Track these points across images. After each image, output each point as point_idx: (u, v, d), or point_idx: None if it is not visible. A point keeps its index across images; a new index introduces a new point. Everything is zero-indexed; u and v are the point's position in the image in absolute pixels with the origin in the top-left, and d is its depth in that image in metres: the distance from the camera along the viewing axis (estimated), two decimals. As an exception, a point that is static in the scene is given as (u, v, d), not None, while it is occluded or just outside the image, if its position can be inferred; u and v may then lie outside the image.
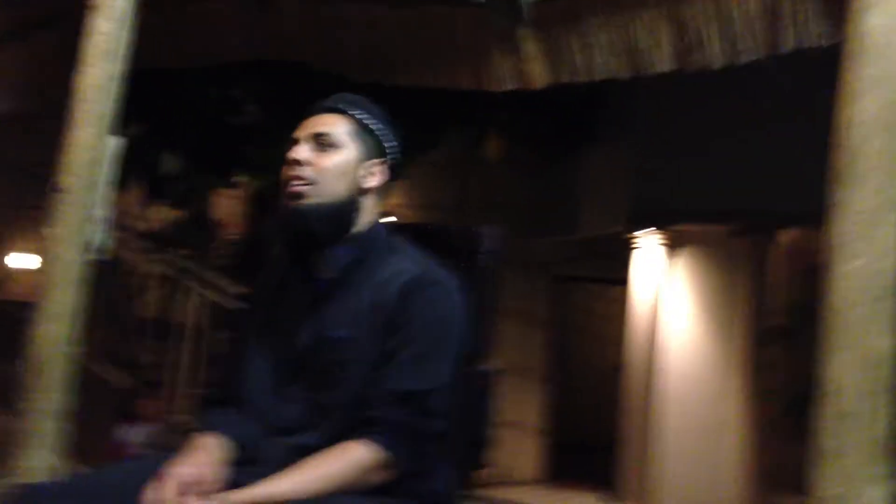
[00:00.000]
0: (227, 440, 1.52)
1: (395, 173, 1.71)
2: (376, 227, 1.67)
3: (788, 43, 1.98)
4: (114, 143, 2.01)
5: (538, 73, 2.34)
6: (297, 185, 1.59)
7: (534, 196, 8.52)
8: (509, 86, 2.38)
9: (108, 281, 6.35)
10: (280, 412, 1.56)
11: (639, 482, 7.13)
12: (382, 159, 1.66)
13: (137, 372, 5.95)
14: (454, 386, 1.57)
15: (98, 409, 5.31)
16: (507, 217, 8.23)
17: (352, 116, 1.64)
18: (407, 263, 1.60)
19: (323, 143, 1.61)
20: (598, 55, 2.26)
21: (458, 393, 1.67)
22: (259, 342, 1.65)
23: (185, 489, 1.33)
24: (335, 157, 1.60)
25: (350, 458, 1.43)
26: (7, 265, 7.86)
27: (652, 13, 2.16)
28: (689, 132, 7.14)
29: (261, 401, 1.59)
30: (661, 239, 7.34)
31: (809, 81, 3.81)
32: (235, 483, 1.39)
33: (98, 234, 1.98)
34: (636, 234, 7.35)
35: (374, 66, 2.60)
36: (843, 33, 1.65)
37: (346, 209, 1.60)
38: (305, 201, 1.58)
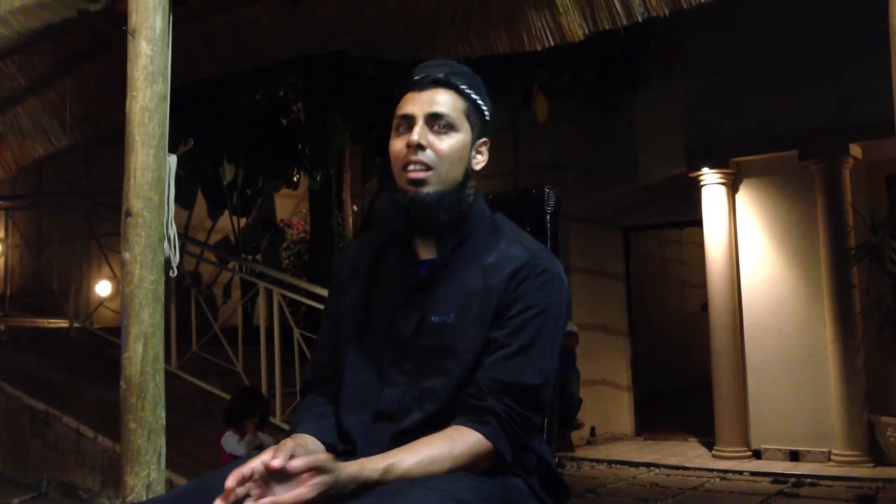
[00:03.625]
0: (317, 439, 1.53)
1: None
2: (478, 207, 1.61)
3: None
4: (171, 162, 2.06)
5: (576, 25, 2.30)
6: (417, 170, 1.52)
7: (589, 150, 8.44)
8: (548, 43, 2.34)
9: (190, 295, 6.53)
10: (383, 397, 1.54)
11: (736, 421, 7.04)
12: (488, 139, 1.62)
13: (234, 379, 6.11)
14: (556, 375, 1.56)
15: (200, 420, 5.48)
16: (566, 176, 8.17)
17: (463, 92, 1.57)
18: (515, 248, 1.55)
19: (441, 124, 1.53)
20: (636, -4, 2.20)
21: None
22: (357, 327, 1.61)
23: (268, 476, 1.28)
24: (453, 140, 1.54)
25: (471, 445, 1.42)
26: (95, 293, 8.11)
27: (685, -57, 2.09)
28: (739, 60, 6.96)
29: (362, 386, 1.57)
30: (727, 173, 7.19)
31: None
32: None
33: (171, 252, 2.03)
34: (700, 172, 7.21)
35: (408, 43, 2.59)
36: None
37: (461, 194, 1.55)
38: (426, 189, 1.52)
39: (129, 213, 1.96)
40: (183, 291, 6.54)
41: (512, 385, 1.46)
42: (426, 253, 1.58)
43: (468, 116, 1.56)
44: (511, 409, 1.44)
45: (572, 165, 8.38)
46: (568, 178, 8.12)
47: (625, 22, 2.25)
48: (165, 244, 2.01)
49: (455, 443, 1.41)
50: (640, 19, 2.24)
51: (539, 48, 2.38)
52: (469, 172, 1.57)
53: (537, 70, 6.60)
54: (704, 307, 7.65)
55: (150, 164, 1.97)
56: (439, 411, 1.49)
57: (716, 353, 7.18)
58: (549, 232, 1.75)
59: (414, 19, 2.54)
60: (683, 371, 10.74)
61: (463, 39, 2.49)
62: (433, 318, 1.53)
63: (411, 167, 1.52)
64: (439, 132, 1.53)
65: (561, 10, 2.30)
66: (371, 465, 1.33)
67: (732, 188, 7.25)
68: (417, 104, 1.55)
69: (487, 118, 1.61)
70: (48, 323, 7.64)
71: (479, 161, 1.60)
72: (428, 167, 1.52)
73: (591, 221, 8.57)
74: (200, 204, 8.63)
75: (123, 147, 1.99)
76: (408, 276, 1.59)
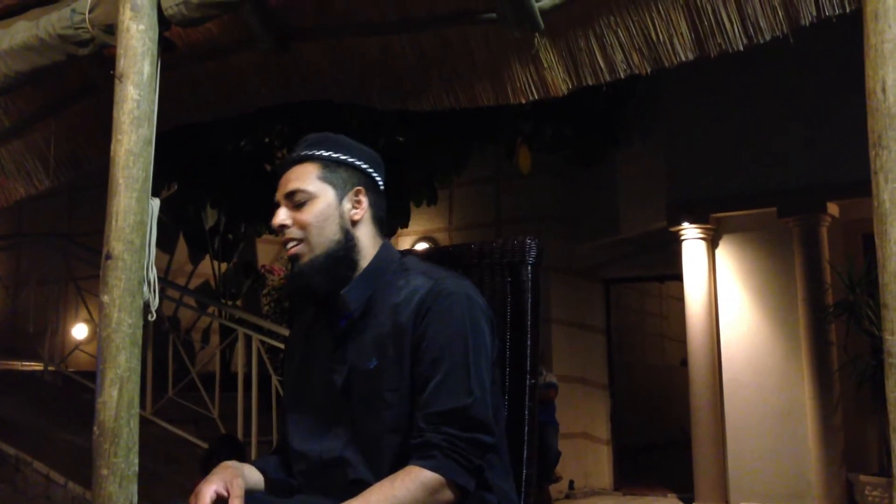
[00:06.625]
0: (254, 469, 1.64)
1: (382, 191, 1.73)
2: (384, 252, 1.69)
3: (808, 14, 1.95)
4: (154, 206, 2.05)
5: (560, 80, 2.34)
6: (291, 247, 1.64)
7: (570, 203, 8.51)
8: (532, 96, 2.38)
9: (168, 339, 6.46)
10: (327, 450, 1.59)
11: (715, 478, 7.01)
12: (361, 186, 1.68)
13: (210, 426, 6.02)
14: (494, 391, 1.59)
15: (173, 467, 5.38)
16: (547, 227, 8.22)
17: (315, 158, 1.66)
18: (419, 279, 1.61)
19: (297, 200, 1.64)
20: (618, 53, 2.25)
21: (518, 408, 1.67)
22: (299, 388, 1.70)
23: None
24: (312, 207, 1.63)
25: (416, 482, 1.44)
26: (71, 336, 8.02)
27: (666, 4, 2.14)
28: (718, 117, 7.09)
29: (305, 443, 1.63)
30: (707, 228, 7.26)
31: (840, 46, 3.76)
32: None
33: (150, 296, 2.01)
34: (681, 226, 7.28)
35: (395, 94, 2.62)
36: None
37: (342, 250, 1.64)
38: (301, 262, 1.63)
39: (109, 256, 1.95)
40: (161, 336, 6.47)
41: (444, 413, 1.48)
42: (345, 311, 1.65)
43: (325, 177, 1.65)
44: (451, 435, 1.47)
45: (554, 217, 8.44)
46: (549, 230, 8.17)
47: (608, 78, 2.30)
48: (145, 288, 1.99)
49: (396, 482, 1.43)
50: (622, 76, 2.28)
51: (523, 101, 2.42)
52: (346, 226, 1.65)
53: (521, 123, 6.68)
54: (684, 361, 7.66)
55: (133, 207, 1.97)
56: (384, 456, 1.53)
57: (695, 408, 7.17)
58: (530, 283, 1.75)
59: (399, 70, 2.57)
60: (663, 425, 10.70)
61: (448, 91, 2.52)
62: (359, 367, 1.59)
63: (287, 245, 1.66)
64: (299, 206, 1.64)
65: (545, 64, 2.34)
66: None
67: (712, 243, 7.32)
68: (279, 190, 1.69)
69: (358, 167, 1.69)
70: (22, 365, 7.52)
71: (357, 211, 1.66)
72: (299, 240, 1.64)
73: (572, 273, 8.61)
74: (182, 248, 8.60)
75: (106, 190, 1.99)
76: (332, 330, 1.67)
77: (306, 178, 1.64)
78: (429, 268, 1.66)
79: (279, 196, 1.67)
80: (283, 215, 1.65)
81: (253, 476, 1.61)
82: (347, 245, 1.63)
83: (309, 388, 1.68)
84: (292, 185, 1.65)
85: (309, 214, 1.62)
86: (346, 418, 1.59)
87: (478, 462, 1.49)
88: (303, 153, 1.68)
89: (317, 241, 1.62)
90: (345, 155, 1.67)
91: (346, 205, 1.65)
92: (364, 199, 1.67)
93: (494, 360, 1.61)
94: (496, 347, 1.62)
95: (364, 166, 1.69)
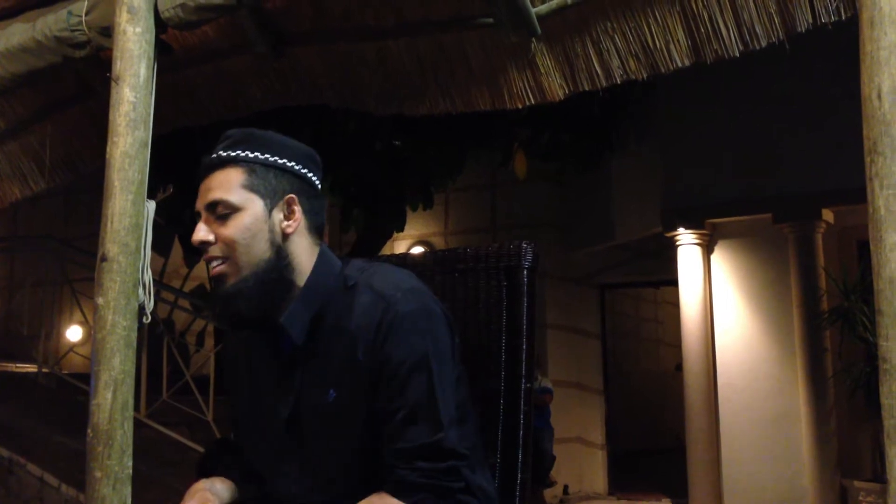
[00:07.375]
0: (226, 480, 1.56)
1: (319, 192, 1.54)
2: (323, 264, 1.51)
3: (804, 21, 1.96)
4: (150, 208, 2.05)
5: (556, 85, 2.34)
6: (214, 266, 1.45)
7: (566, 208, 8.52)
8: (528, 102, 2.38)
9: (162, 342, 6.45)
10: (282, 482, 1.51)
11: (709, 483, 7.02)
12: (294, 193, 1.48)
13: (204, 428, 6.01)
14: (460, 390, 1.49)
15: (167, 470, 5.37)
16: (543, 233, 8.23)
17: (241, 161, 1.46)
18: (367, 297, 1.44)
19: (219, 212, 1.45)
20: (614, 59, 2.25)
21: (514, 412, 1.66)
22: (247, 417, 1.60)
23: None
24: (237, 221, 1.44)
25: None
26: (66, 338, 8.01)
27: (663, 10, 2.15)
28: (713, 123, 7.10)
29: (262, 472, 1.56)
30: (702, 234, 7.27)
31: (835, 53, 3.78)
32: None
33: (145, 299, 2.01)
34: (676, 232, 7.29)
35: (391, 98, 2.62)
36: (859, 2, 1.62)
37: (274, 270, 1.45)
38: (226, 283, 1.45)
39: (104, 258, 1.94)
40: (155, 339, 6.46)
41: (416, 449, 1.38)
42: (288, 338, 1.49)
43: (251, 185, 1.45)
44: (426, 470, 1.38)
45: (549, 223, 8.45)
46: (545, 236, 8.18)
47: (604, 83, 2.30)
48: (140, 290, 1.99)
49: None
50: (618, 81, 2.29)
51: (520, 106, 2.42)
52: (277, 242, 1.45)
53: (518, 129, 6.69)
54: (679, 367, 7.67)
55: (129, 209, 1.96)
56: (341, 488, 1.44)
57: (689, 413, 7.18)
58: (525, 287, 1.75)
59: (396, 75, 2.57)
60: (657, 430, 10.70)
61: (445, 96, 2.53)
62: (314, 399, 1.46)
63: (211, 264, 1.47)
64: (222, 219, 1.45)
65: (542, 70, 2.35)
66: None
67: (707, 249, 7.33)
68: (200, 197, 1.49)
69: (291, 169, 1.49)
70: (16, 367, 7.51)
71: (290, 223, 1.47)
72: (224, 258, 1.45)
73: (568, 279, 8.61)
74: (177, 251, 8.59)
75: (102, 192, 1.99)
76: (276, 363, 1.52)
77: (229, 186, 1.44)
78: (373, 277, 1.48)
79: (199, 206, 1.47)
80: (203, 231, 1.45)
81: (226, 490, 1.54)
82: (280, 264, 1.44)
83: (258, 418, 1.56)
84: (213, 195, 1.45)
85: (233, 230, 1.42)
86: (299, 451, 1.48)
87: (457, 485, 1.40)
88: (224, 154, 1.47)
89: (244, 262, 1.42)
90: (273, 156, 1.46)
91: (277, 216, 1.45)
92: (297, 208, 1.47)
93: (458, 360, 1.49)
94: (458, 346, 1.50)
95: (297, 167, 1.48)
